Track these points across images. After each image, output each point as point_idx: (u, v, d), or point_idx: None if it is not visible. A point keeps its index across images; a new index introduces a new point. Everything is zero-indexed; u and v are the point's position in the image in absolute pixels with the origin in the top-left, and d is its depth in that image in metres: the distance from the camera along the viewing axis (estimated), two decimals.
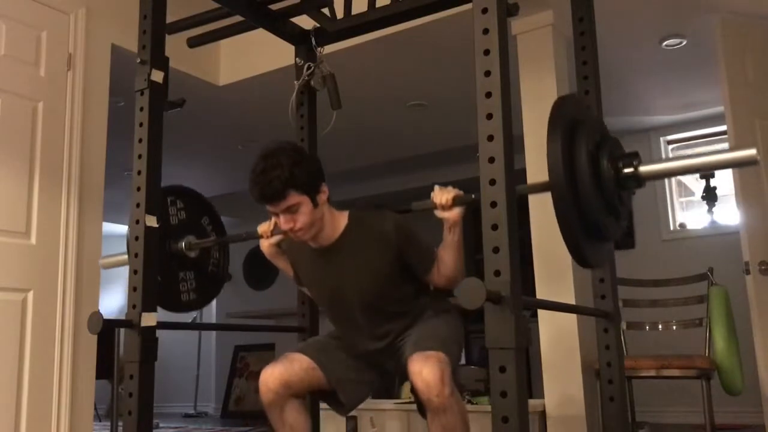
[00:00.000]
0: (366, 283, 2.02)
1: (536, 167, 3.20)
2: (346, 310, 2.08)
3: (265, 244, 2.23)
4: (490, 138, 1.48)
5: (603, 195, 1.56)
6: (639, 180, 1.58)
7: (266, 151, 1.94)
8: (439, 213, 1.88)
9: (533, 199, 3.19)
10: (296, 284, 2.34)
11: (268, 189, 1.89)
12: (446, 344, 1.91)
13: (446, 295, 2.15)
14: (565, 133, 1.52)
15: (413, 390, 1.88)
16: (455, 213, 1.86)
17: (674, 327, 3.36)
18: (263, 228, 2.21)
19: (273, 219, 2.11)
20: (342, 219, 2.07)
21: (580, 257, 1.61)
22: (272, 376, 1.99)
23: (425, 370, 1.77)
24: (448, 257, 1.98)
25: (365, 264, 2.02)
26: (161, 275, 2.30)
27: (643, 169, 1.57)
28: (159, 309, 2.06)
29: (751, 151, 1.42)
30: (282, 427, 2.03)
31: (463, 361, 5.58)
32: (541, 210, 3.17)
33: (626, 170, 1.58)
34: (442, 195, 1.86)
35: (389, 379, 2.29)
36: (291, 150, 1.96)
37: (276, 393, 1.99)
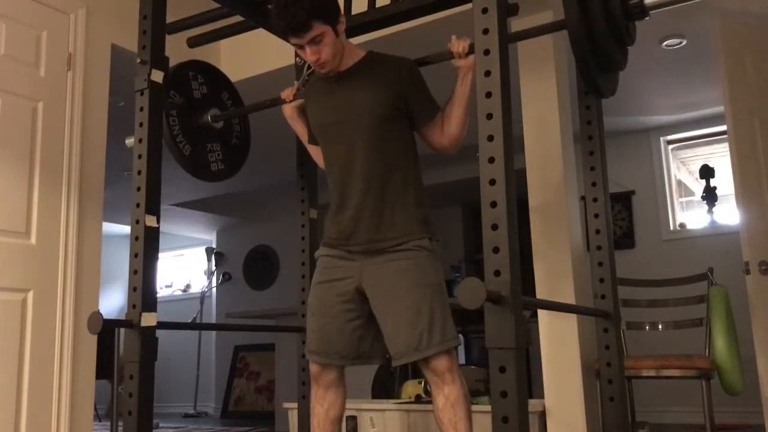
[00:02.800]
0: (369, 100, 2.07)
1: (536, 167, 3.20)
2: (346, 132, 2.09)
3: (288, 108, 2.38)
4: (490, 138, 1.48)
5: (612, 27, 1.73)
6: (644, 9, 1.74)
7: None
8: (456, 62, 2.02)
9: (533, 199, 3.19)
10: (308, 143, 2.38)
11: (294, 20, 1.95)
12: (444, 323, 1.98)
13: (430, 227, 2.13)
14: None
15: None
16: (471, 59, 1.98)
17: (674, 327, 3.36)
18: (286, 93, 2.37)
19: (295, 84, 2.36)
20: (360, 51, 2.18)
21: (594, 86, 1.80)
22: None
23: (434, 361, 1.96)
24: (455, 111, 2.07)
25: (373, 87, 2.08)
26: (191, 146, 2.50)
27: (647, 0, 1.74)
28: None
29: None
30: (321, 405, 2.14)
31: (463, 361, 5.60)
32: (541, 210, 3.17)
33: (632, 2, 1.75)
34: (459, 43, 2.00)
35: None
36: None
37: (328, 375, 2.12)
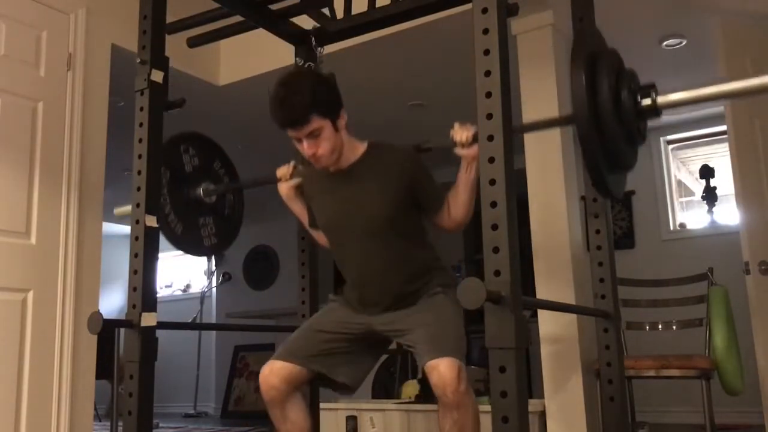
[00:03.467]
0: (376, 202, 2.02)
1: (536, 167, 3.20)
2: (353, 234, 2.06)
3: (284, 187, 2.28)
4: (490, 138, 1.48)
5: (623, 125, 1.63)
6: (657, 110, 1.66)
7: (286, 77, 1.97)
8: (458, 150, 1.94)
9: (533, 199, 3.19)
10: (309, 227, 2.33)
11: (291, 113, 1.92)
12: (458, 340, 1.92)
13: (448, 269, 2.15)
14: (587, 65, 1.58)
15: (422, 380, 1.89)
16: (474, 149, 1.89)
17: (674, 327, 3.36)
18: (282, 171, 2.27)
19: (291, 163, 2.25)
20: (361, 145, 2.11)
21: (603, 187, 1.70)
22: (272, 374, 2.00)
23: (442, 365, 1.79)
24: (461, 197, 2.02)
25: (378, 187, 2.03)
26: (182, 224, 2.41)
27: (660, 99, 1.65)
28: (158, 309, 2.06)
29: (764, 79, 1.48)
30: (283, 424, 2.03)
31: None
32: (541, 210, 3.17)
33: (645, 101, 1.65)
34: (462, 132, 1.92)
35: (381, 350, 2.24)
36: (310, 74, 2.04)
37: (278, 389, 1.99)
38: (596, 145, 1.58)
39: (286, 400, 2.02)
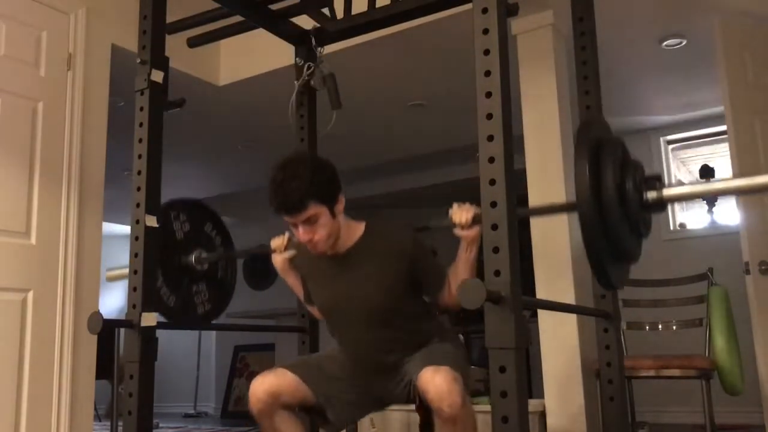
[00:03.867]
0: (375, 292, 1.99)
1: (536, 167, 3.21)
2: (352, 322, 2.04)
3: (278, 259, 2.23)
4: (490, 138, 1.48)
5: (628, 218, 1.57)
6: (663, 204, 1.59)
7: (284, 161, 1.93)
8: (458, 231, 1.87)
9: (533, 199, 3.19)
10: (305, 302, 2.29)
11: (288, 200, 1.88)
12: (456, 362, 1.89)
13: (450, 325, 2.14)
14: (591, 156, 1.53)
15: (419, 408, 1.86)
16: (474, 231, 1.85)
17: (674, 327, 3.36)
18: (276, 243, 2.21)
19: (286, 234, 2.14)
20: (358, 228, 2.06)
21: (605, 279, 1.62)
22: (261, 387, 1.97)
23: (438, 377, 1.75)
24: (461, 275, 1.96)
25: (377, 273, 1.99)
26: (175, 293, 2.34)
27: (666, 192, 1.58)
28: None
29: None
30: None
31: None
32: None
33: (650, 194, 1.59)
34: (461, 214, 1.85)
35: (382, 405, 2.20)
36: (309, 160, 1.96)
37: (265, 402, 1.96)
38: (599, 237, 1.53)
39: (275, 412, 1.98)
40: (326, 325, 2.19)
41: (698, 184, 1.62)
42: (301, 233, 1.94)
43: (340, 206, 1.98)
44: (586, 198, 1.50)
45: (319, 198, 1.90)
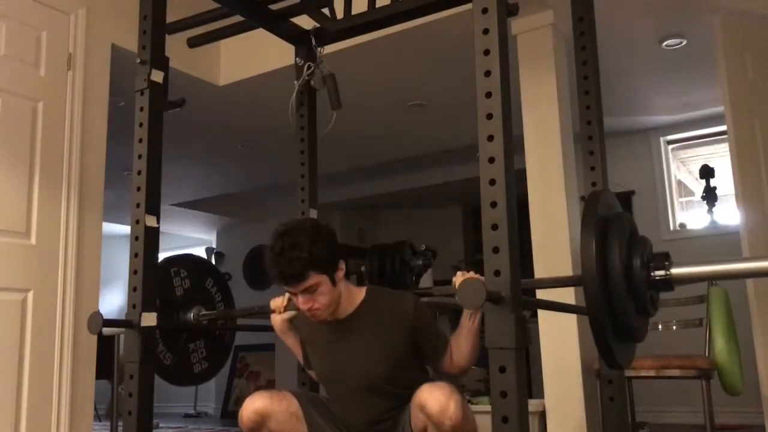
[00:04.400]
0: (375, 363, 1.96)
1: (536, 167, 3.21)
2: (350, 390, 2.02)
3: (278, 320, 2.19)
4: (490, 138, 1.48)
5: (635, 297, 1.54)
6: (670, 284, 1.56)
7: (284, 229, 1.91)
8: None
9: (533, 199, 3.19)
10: (303, 365, 2.27)
11: (288, 270, 1.86)
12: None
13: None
14: (598, 232, 1.50)
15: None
16: None
17: (674, 327, 3.36)
18: (276, 303, 2.17)
19: (286, 295, 2.11)
20: (359, 294, 2.04)
21: (610, 359, 1.58)
22: (252, 406, 1.97)
23: (437, 391, 1.75)
24: (464, 344, 1.95)
25: (377, 342, 1.97)
26: (172, 351, 2.32)
27: (674, 271, 1.55)
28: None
29: None
30: None
31: None
32: (541, 210, 3.17)
33: (658, 273, 1.55)
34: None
35: None
36: (310, 228, 1.94)
37: (253, 422, 1.97)
38: (605, 315, 1.50)
39: (265, 426, 1.98)
40: (323, 388, 2.17)
41: (707, 266, 1.55)
42: (301, 302, 1.93)
43: (341, 273, 1.96)
44: (592, 275, 1.47)
45: (319, 268, 1.88)
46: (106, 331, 1.94)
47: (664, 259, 1.55)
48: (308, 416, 2.00)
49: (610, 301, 1.50)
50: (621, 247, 1.51)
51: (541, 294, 3.11)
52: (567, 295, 3.04)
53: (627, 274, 1.52)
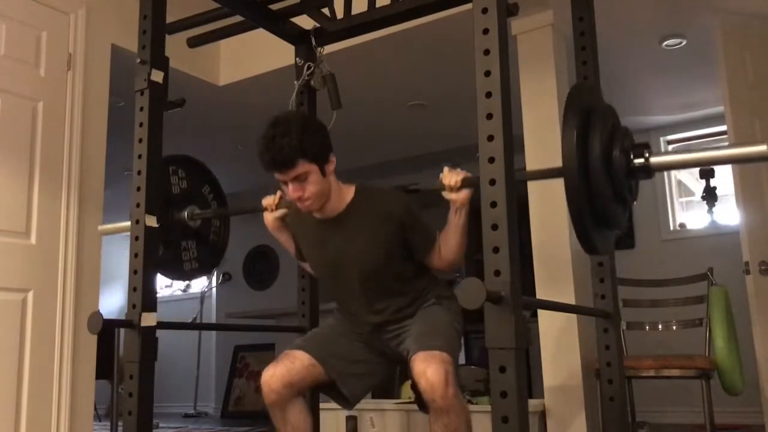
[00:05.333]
0: (366, 255, 2.01)
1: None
2: (345, 282, 2.07)
3: (269, 218, 2.23)
4: (490, 138, 1.48)
5: (613, 184, 1.59)
6: (649, 171, 1.60)
7: (276, 119, 1.95)
8: (447, 194, 1.90)
9: (533, 199, 3.19)
10: (297, 259, 2.33)
11: (278, 156, 1.89)
12: (448, 340, 1.92)
13: (447, 281, 2.18)
14: (579, 121, 1.54)
15: (414, 386, 1.89)
16: (463, 194, 1.87)
17: (674, 327, 3.36)
18: (268, 201, 2.22)
19: (278, 193, 2.17)
20: (349, 191, 2.07)
21: (588, 244, 1.63)
22: (274, 377, 1.98)
23: (429, 370, 1.78)
24: (451, 240, 1.99)
25: (367, 236, 2.02)
26: (164, 244, 2.35)
27: (653, 160, 1.59)
28: (159, 307, 2.06)
29: (761, 147, 1.44)
30: (284, 426, 2.02)
31: (463, 361, 5.59)
32: (541, 210, 3.17)
33: (637, 161, 1.59)
34: (451, 176, 1.88)
35: (391, 367, 2.26)
36: (300, 118, 1.99)
37: (278, 393, 1.98)
38: (583, 202, 1.54)
39: (288, 402, 2.00)
40: (321, 282, 2.22)
41: (686, 153, 1.61)
42: (291, 191, 1.95)
43: (331, 167, 1.99)
44: (572, 163, 1.51)
45: (309, 156, 1.91)
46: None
47: (644, 148, 1.60)
48: (320, 358, 2.04)
49: (589, 188, 1.54)
50: (602, 137, 1.55)
51: (540, 289, 3.12)
52: (567, 295, 3.04)
53: (606, 162, 1.56)
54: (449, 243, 2.00)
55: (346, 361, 2.09)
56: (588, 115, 1.57)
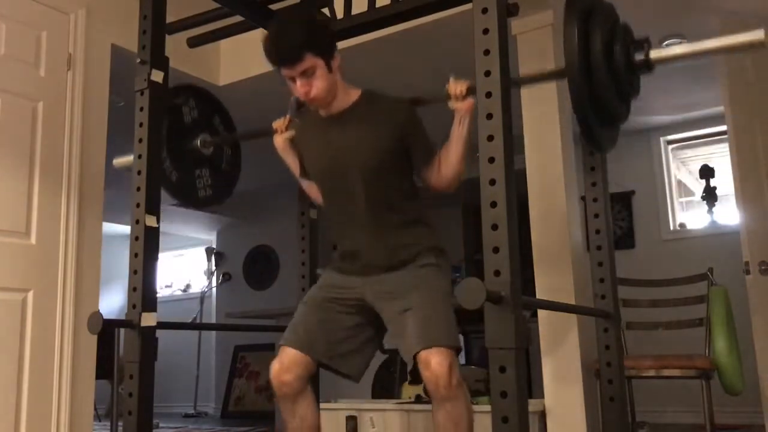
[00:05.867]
0: (367, 149, 2.02)
1: (536, 167, 3.20)
2: (347, 187, 2.05)
3: (279, 139, 2.27)
4: (490, 138, 1.48)
5: (615, 79, 1.64)
6: (649, 65, 1.66)
7: (281, 16, 1.98)
8: (452, 103, 1.95)
9: (533, 199, 3.19)
10: (301, 178, 2.32)
11: (285, 50, 1.91)
12: (448, 325, 1.91)
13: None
14: (580, 19, 1.58)
15: (412, 373, 1.89)
16: (468, 102, 1.91)
17: (674, 327, 3.36)
18: (277, 123, 2.27)
19: (287, 116, 2.25)
20: (355, 92, 2.11)
21: (592, 140, 1.71)
22: (283, 370, 2.00)
23: (433, 360, 1.80)
24: (452, 155, 2.00)
25: (370, 134, 2.03)
26: (177, 172, 2.43)
27: (653, 54, 1.64)
28: (158, 305, 2.06)
29: (758, 34, 1.49)
30: (293, 418, 2.04)
31: (463, 361, 5.60)
32: (541, 210, 3.17)
33: (637, 55, 1.65)
34: (456, 85, 1.93)
35: (379, 334, 2.18)
36: (305, 15, 2.03)
37: (290, 386, 1.99)
38: (586, 98, 1.60)
39: (299, 394, 2.02)
40: (321, 196, 2.21)
41: (686, 45, 1.67)
42: (299, 86, 1.96)
43: (337, 62, 2.02)
44: (575, 61, 1.57)
45: (315, 49, 1.92)
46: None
47: (644, 43, 1.67)
48: (305, 348, 2.03)
49: (592, 85, 1.61)
50: (603, 32, 1.61)
51: (540, 289, 3.12)
52: (567, 296, 3.04)
53: (608, 59, 1.62)
54: (449, 158, 2.01)
55: (332, 343, 2.05)
56: (589, 14, 1.61)
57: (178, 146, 2.45)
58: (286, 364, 2.01)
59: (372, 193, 2.02)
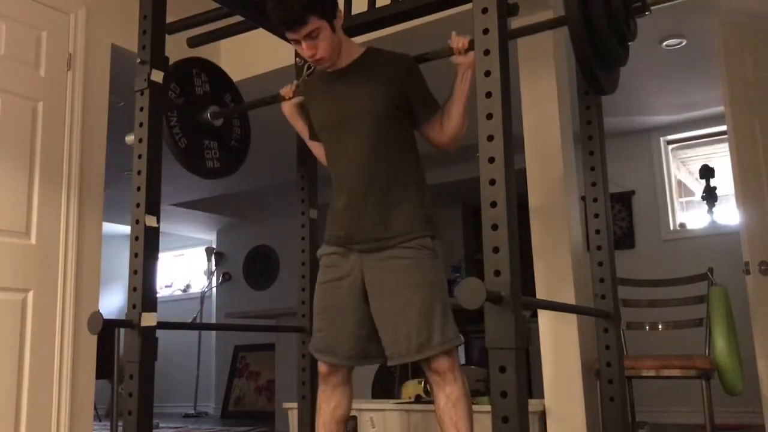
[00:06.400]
0: (370, 101, 2.06)
1: (536, 167, 3.20)
2: (346, 132, 2.08)
3: (287, 105, 2.36)
4: (490, 138, 1.48)
5: (612, 21, 1.73)
6: (645, 5, 1.79)
7: None
8: (455, 58, 2.01)
9: (533, 199, 3.19)
10: (309, 140, 2.36)
11: (289, 14, 1.95)
12: (446, 318, 1.98)
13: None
14: None
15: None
16: (470, 57, 1.96)
17: (674, 327, 3.36)
18: (285, 90, 2.35)
19: (294, 82, 2.35)
20: (358, 48, 2.17)
21: (594, 83, 1.79)
22: (329, 373, 2.12)
23: (436, 362, 1.96)
24: (454, 111, 2.06)
25: (373, 86, 2.07)
26: (187, 140, 2.49)
27: None
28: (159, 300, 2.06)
29: None
30: (328, 404, 2.15)
31: (462, 361, 5.60)
32: (541, 210, 3.17)
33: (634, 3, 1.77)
34: (458, 40, 1.98)
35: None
36: None
37: (337, 375, 2.12)
38: (587, 42, 1.66)
39: (341, 385, 2.14)
40: (325, 150, 2.22)
41: None
42: (305, 48, 2.02)
43: (339, 21, 2.06)
44: (575, 8, 1.64)
45: (318, 11, 1.97)
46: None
47: None
48: (330, 353, 2.11)
49: (591, 28, 1.69)
50: None
51: (540, 289, 3.12)
52: (567, 295, 3.04)
53: (605, 2, 1.71)
54: (452, 114, 2.06)
55: (351, 341, 2.09)
56: None
57: (188, 117, 2.51)
58: (328, 368, 2.13)
59: (372, 148, 2.05)
